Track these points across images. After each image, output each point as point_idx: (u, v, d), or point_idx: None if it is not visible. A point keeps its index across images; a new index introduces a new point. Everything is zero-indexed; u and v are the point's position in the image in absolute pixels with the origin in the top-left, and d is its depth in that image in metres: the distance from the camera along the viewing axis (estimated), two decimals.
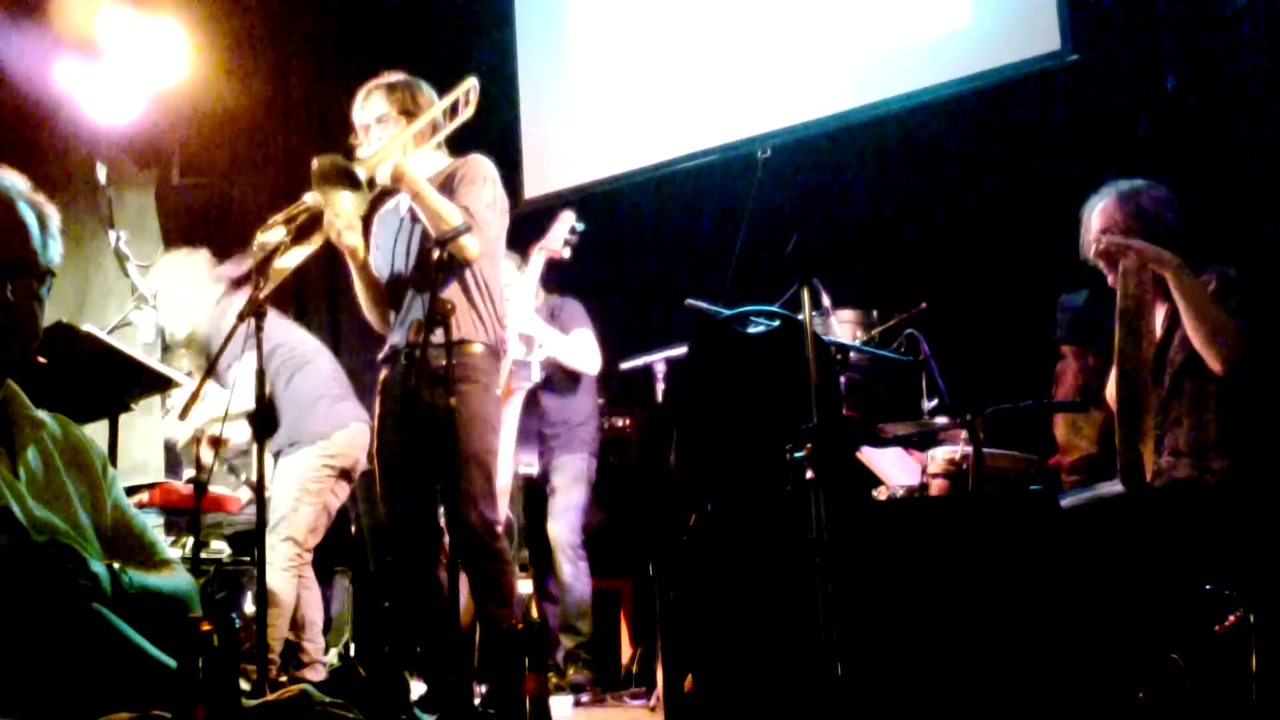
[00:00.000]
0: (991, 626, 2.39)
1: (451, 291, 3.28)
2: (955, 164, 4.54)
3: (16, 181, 1.64)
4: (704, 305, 3.64)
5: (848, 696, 2.12)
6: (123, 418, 3.73)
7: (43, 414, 1.69)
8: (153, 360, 3.76)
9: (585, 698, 4.27)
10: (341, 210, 3.12)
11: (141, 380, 3.63)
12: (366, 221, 3.49)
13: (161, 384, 3.73)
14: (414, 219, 3.40)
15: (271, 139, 6.01)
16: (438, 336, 3.15)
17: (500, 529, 3.34)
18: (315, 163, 3.05)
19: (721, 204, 4.96)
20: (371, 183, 3.23)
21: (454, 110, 3.48)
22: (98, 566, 1.53)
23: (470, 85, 3.48)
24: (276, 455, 3.97)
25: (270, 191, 5.66)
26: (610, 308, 5.04)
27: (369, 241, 3.47)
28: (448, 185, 3.35)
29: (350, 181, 3.05)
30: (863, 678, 2.28)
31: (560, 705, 4.00)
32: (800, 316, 2.36)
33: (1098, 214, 2.91)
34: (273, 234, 3.64)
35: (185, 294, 4.09)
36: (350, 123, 3.48)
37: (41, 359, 1.69)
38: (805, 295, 2.35)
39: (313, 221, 3.30)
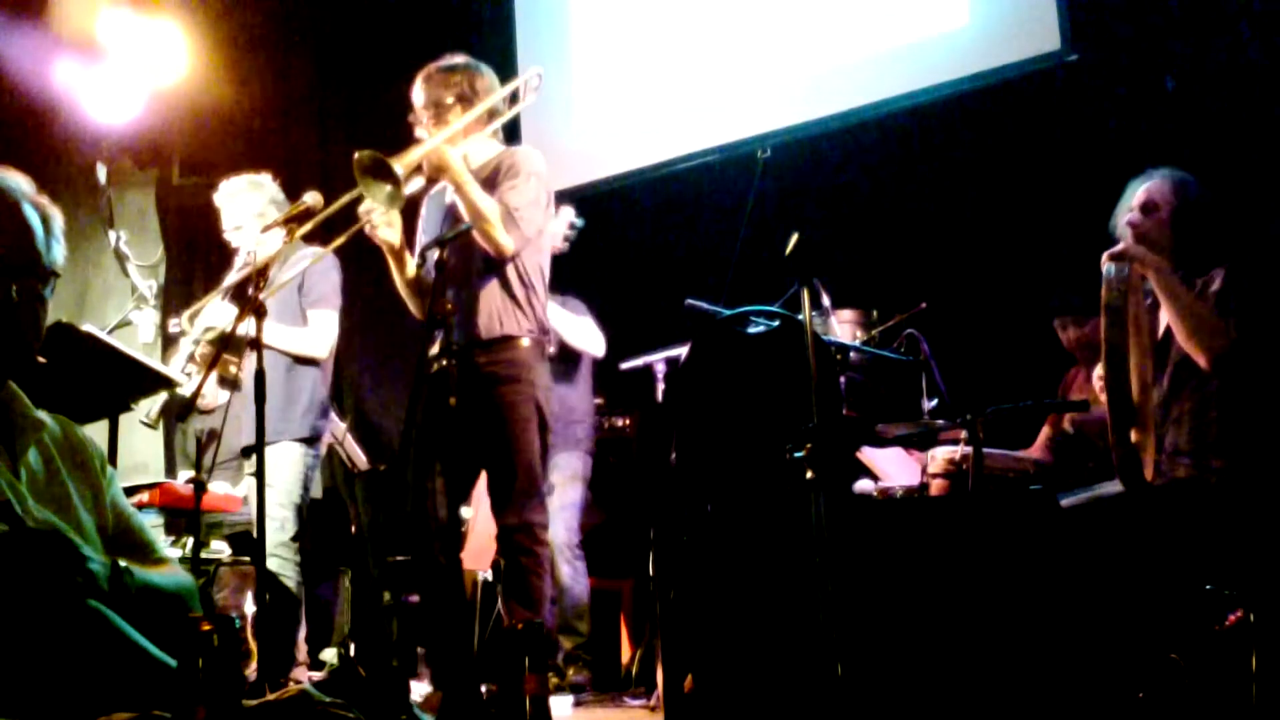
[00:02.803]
0: (992, 626, 2.39)
1: (493, 286, 3.26)
2: (955, 164, 4.54)
3: (21, 183, 1.65)
4: (704, 305, 3.64)
5: (848, 696, 2.12)
6: (123, 418, 3.73)
7: (43, 414, 1.70)
8: (153, 360, 3.76)
9: (585, 697, 4.27)
10: (380, 203, 3.10)
11: (141, 380, 3.63)
12: (415, 208, 3.45)
13: (161, 384, 3.73)
14: (456, 212, 3.34)
15: (271, 139, 6.01)
16: (488, 332, 3.18)
17: (544, 533, 3.27)
18: (356, 155, 3.02)
19: (721, 204, 4.96)
20: (420, 169, 3.20)
21: (514, 98, 3.46)
22: (96, 566, 1.53)
23: (534, 72, 3.46)
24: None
25: None
26: (610, 308, 5.03)
27: (416, 227, 3.43)
28: (493, 176, 3.30)
29: (388, 176, 3.02)
30: (863, 678, 2.28)
31: (560, 705, 4.00)
32: (800, 316, 2.36)
33: (1144, 190, 2.95)
34: (272, 235, 3.66)
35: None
36: (408, 102, 3.43)
37: (41, 359, 1.69)
38: (805, 295, 2.35)
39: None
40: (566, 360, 4.52)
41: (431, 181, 3.36)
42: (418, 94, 3.40)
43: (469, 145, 3.34)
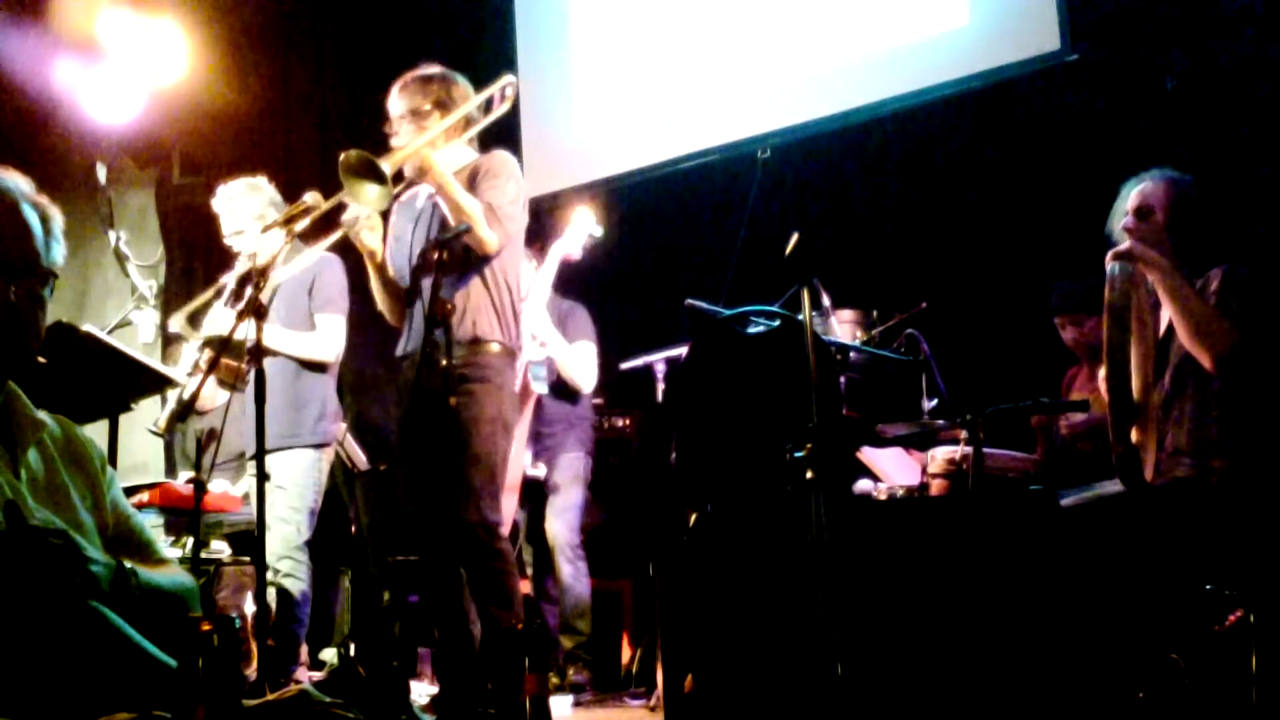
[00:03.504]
0: (991, 626, 2.39)
1: (469, 287, 3.29)
2: (955, 164, 4.54)
3: (20, 183, 1.65)
4: (704, 305, 3.64)
5: (848, 696, 2.12)
6: (123, 418, 3.72)
7: (43, 415, 1.70)
8: (153, 360, 3.75)
9: (585, 698, 4.27)
10: (366, 204, 3.13)
11: (141, 380, 3.63)
12: (386, 213, 3.49)
13: (161, 384, 3.73)
14: (433, 212, 3.39)
15: (271, 139, 6.01)
16: (459, 334, 3.17)
17: (503, 529, 3.30)
18: (342, 156, 3.06)
19: (721, 204, 4.96)
20: (399, 176, 3.23)
21: (488, 106, 3.50)
22: (98, 566, 1.53)
23: (507, 82, 3.51)
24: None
25: None
26: (610, 308, 5.03)
27: (387, 234, 3.46)
28: (470, 181, 3.34)
29: (376, 176, 3.05)
30: (863, 678, 2.28)
31: (560, 705, 4.00)
32: (800, 316, 2.36)
33: (1137, 193, 2.94)
34: (271, 236, 3.65)
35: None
36: (385, 112, 3.48)
37: (41, 359, 1.69)
38: (805, 295, 2.35)
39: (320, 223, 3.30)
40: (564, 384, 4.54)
41: (408, 186, 3.40)
42: (395, 103, 3.46)
43: (447, 151, 3.39)
